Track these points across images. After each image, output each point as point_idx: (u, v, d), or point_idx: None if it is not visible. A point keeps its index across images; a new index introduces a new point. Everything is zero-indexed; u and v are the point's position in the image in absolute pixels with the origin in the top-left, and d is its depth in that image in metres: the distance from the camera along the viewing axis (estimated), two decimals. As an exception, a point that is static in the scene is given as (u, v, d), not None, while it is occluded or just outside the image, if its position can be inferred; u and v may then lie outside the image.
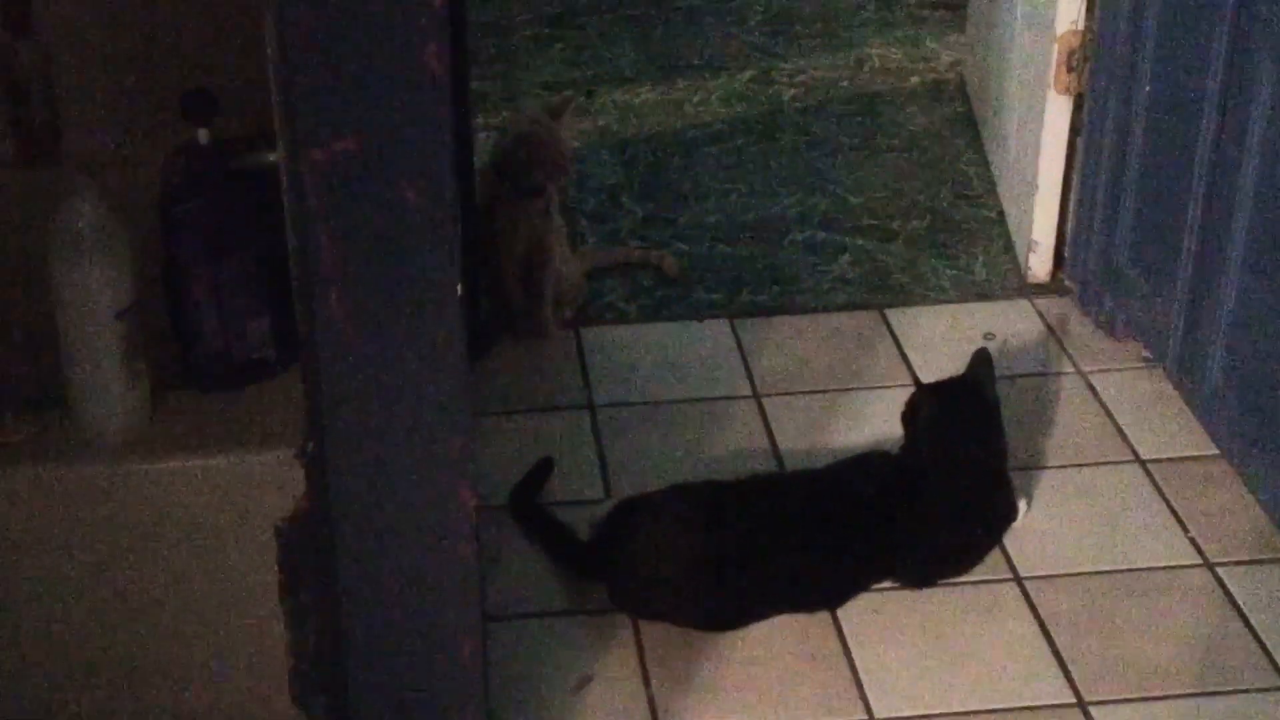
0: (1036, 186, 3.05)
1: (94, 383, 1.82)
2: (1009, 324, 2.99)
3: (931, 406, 2.43)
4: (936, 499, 2.39)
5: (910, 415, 2.46)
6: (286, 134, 1.63)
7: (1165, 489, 2.58)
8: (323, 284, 1.65)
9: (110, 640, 1.90)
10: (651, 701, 2.21)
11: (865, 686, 2.23)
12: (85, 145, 1.98)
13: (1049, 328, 2.99)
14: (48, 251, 1.78)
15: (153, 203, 1.87)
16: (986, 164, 3.49)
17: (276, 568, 1.86)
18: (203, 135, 1.85)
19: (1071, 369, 2.88)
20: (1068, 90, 2.96)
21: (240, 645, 1.92)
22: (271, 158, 1.78)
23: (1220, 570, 2.42)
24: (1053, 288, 3.09)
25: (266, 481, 1.83)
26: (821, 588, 2.36)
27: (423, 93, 1.59)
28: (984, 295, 3.09)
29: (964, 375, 2.50)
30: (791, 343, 2.95)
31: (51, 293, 1.79)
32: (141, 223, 1.84)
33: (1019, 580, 2.41)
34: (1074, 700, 2.21)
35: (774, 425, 2.73)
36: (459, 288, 1.67)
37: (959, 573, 2.41)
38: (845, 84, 3.91)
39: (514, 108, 3.75)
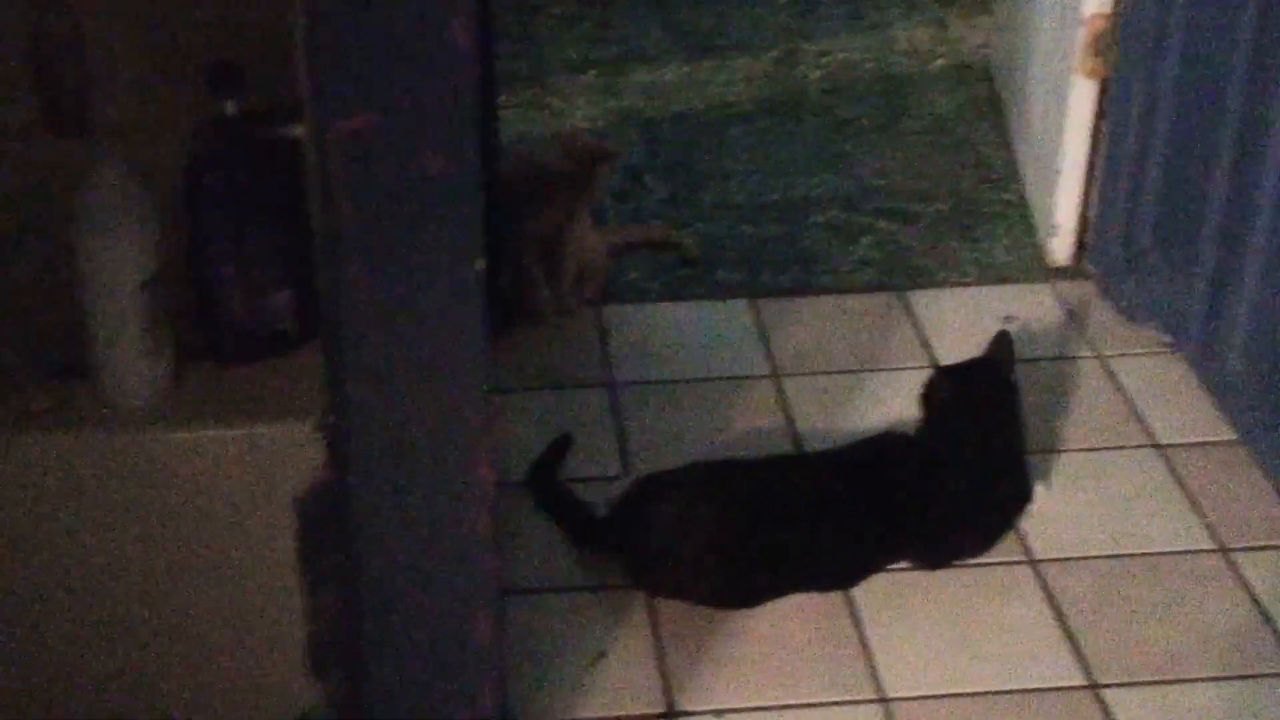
0: (1059, 171, 3.05)
1: (117, 352, 1.84)
2: (1029, 308, 2.99)
3: (948, 387, 2.44)
4: (952, 480, 2.40)
5: (929, 396, 2.47)
6: (312, 107, 1.64)
7: (1182, 474, 2.59)
8: (345, 257, 1.66)
9: (129, 607, 1.91)
10: (665, 677, 2.22)
11: (878, 666, 2.24)
12: (113, 115, 1.98)
13: (1069, 312, 2.99)
14: (73, 221, 1.79)
15: (179, 174, 1.88)
16: (1010, 147, 3.48)
17: (295, 539, 1.88)
18: (229, 107, 1.86)
19: (1091, 353, 2.88)
20: (1093, 74, 2.95)
21: (258, 614, 1.93)
22: (297, 130, 1.79)
23: (1236, 556, 2.43)
24: (1074, 272, 3.09)
25: (287, 453, 1.84)
26: (837, 567, 2.37)
27: (449, 67, 1.59)
28: (1005, 279, 3.09)
29: (983, 357, 2.50)
30: (811, 323, 2.96)
31: (76, 262, 1.81)
32: (167, 194, 1.85)
33: (1033, 563, 2.42)
34: (1087, 683, 2.22)
35: (792, 405, 2.74)
36: (481, 262, 1.68)
37: (973, 554, 2.42)
38: (870, 65, 3.90)
39: (539, 86, 3.75)
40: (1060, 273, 3.09)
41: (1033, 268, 3.12)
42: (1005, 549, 2.44)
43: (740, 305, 3.01)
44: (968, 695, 2.20)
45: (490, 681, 1.91)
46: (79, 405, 1.86)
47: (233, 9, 1.94)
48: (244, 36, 1.91)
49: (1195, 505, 2.52)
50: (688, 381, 2.81)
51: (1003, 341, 2.49)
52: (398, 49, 1.58)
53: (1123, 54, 2.89)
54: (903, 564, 2.40)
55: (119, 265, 1.79)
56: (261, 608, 1.92)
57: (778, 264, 3.13)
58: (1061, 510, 2.51)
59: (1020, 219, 3.26)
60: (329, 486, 1.84)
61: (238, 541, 1.89)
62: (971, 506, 2.42)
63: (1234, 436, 2.65)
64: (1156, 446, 2.65)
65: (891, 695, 2.20)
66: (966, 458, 2.42)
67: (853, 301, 3.02)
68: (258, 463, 1.86)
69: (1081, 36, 2.93)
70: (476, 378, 1.73)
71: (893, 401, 2.70)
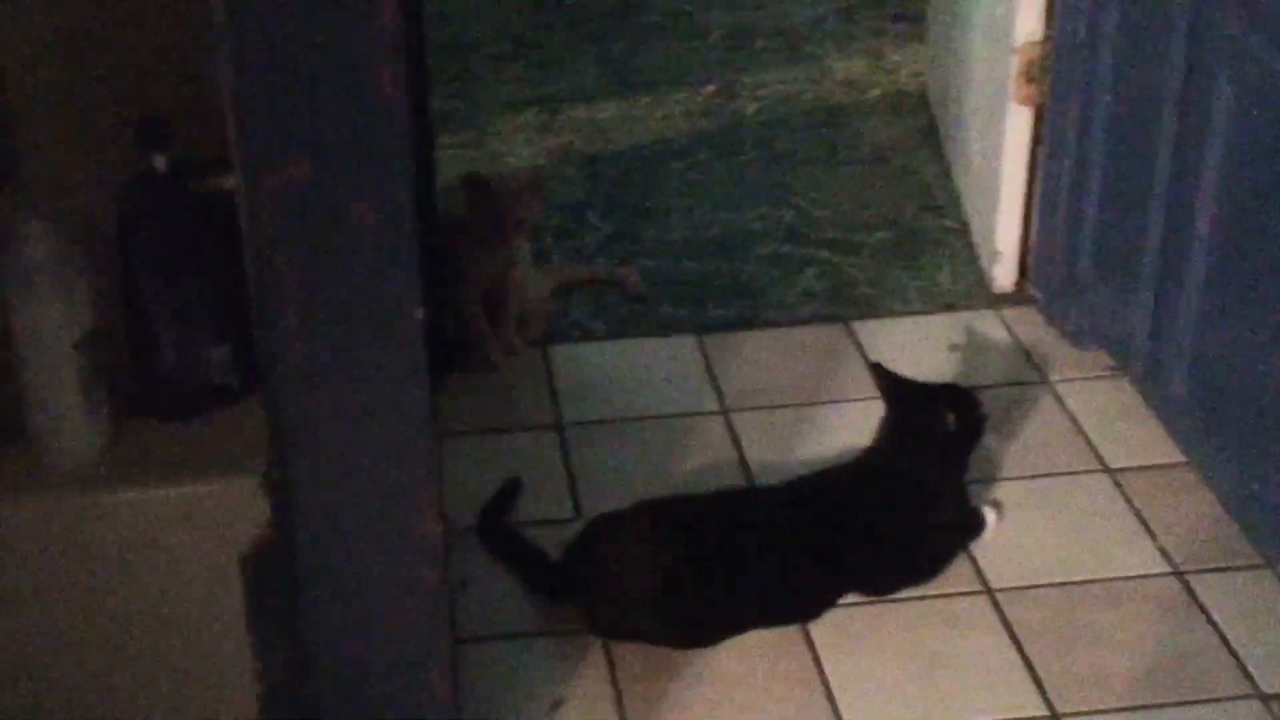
0: (999, 197, 3.06)
1: (53, 413, 1.80)
2: (974, 335, 2.99)
3: (896, 402, 2.44)
4: (890, 503, 2.39)
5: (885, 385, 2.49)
6: (242, 159, 1.62)
7: (1133, 498, 2.59)
8: (282, 309, 1.64)
9: (74, 672, 1.87)
10: (624, 722, 2.20)
11: (838, 702, 2.22)
12: (42, 171, 1.96)
13: (1014, 338, 2.99)
14: (2, 281, 1.76)
15: (112, 229, 1.85)
16: (949, 175, 3.50)
17: (242, 596, 1.85)
18: (159, 162, 1.83)
19: (1038, 379, 2.88)
20: (1028, 101, 2.97)
21: (207, 675, 1.89)
22: (229, 183, 1.77)
23: (1190, 578, 2.43)
24: (1017, 298, 3.09)
25: (230, 510, 1.81)
26: (794, 600, 2.35)
27: (378, 116, 1.58)
28: (949, 306, 3.09)
29: (945, 385, 2.51)
30: (758, 357, 2.95)
31: (8, 322, 1.77)
32: (101, 249, 1.82)
33: (989, 592, 2.41)
34: (1047, 712, 2.21)
35: (742, 440, 2.73)
36: (420, 310, 1.66)
37: (915, 582, 2.40)
38: (807, 97, 3.91)
39: (477, 127, 3.74)
40: (1004, 298, 3.10)
41: (976, 294, 3.12)
42: (960, 579, 2.43)
43: (686, 341, 3.00)
44: (928, 729, 2.19)
45: (445, 734, 1.88)
46: (16, 467, 1.82)
47: (161, 62, 1.92)
48: (173, 90, 1.89)
49: (1147, 529, 2.52)
50: (636, 420, 2.80)
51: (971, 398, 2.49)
52: (326, 100, 1.57)
53: (1056, 80, 2.91)
54: (860, 599, 2.39)
55: (51, 325, 1.76)
56: (209, 670, 1.88)
57: (722, 298, 3.13)
58: (1014, 538, 2.51)
59: (962, 246, 3.27)
60: (274, 542, 1.81)
61: (183, 602, 1.86)
62: (909, 532, 2.40)
63: (1182, 458, 2.65)
64: (1106, 470, 2.65)
65: (852, 732, 2.18)
66: (902, 479, 2.41)
67: (798, 334, 3.02)
68: (201, 521, 1.82)
69: (1015, 64, 2.94)
70: (419, 428, 1.71)
71: (842, 433, 2.69)
